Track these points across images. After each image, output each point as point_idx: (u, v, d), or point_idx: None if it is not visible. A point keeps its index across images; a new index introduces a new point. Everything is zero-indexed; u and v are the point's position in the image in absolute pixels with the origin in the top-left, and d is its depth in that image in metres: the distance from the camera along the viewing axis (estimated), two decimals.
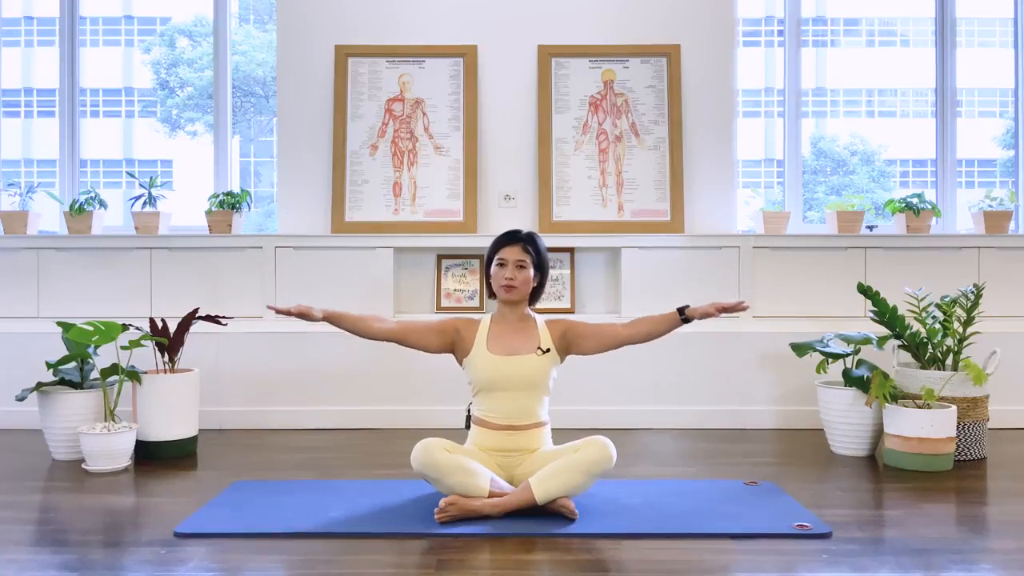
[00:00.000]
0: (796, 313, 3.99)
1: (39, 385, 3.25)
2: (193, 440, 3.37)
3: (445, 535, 2.30)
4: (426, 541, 2.28)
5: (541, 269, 2.69)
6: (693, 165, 4.15)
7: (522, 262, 2.63)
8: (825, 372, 3.41)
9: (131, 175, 4.30)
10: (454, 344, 2.68)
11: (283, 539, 2.30)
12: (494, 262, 2.66)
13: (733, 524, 2.39)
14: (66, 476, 3.03)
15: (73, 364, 3.33)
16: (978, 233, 4.10)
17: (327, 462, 3.22)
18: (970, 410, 3.23)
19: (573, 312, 4.02)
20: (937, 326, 3.30)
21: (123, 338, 3.33)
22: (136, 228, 4.10)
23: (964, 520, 2.54)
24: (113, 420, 3.19)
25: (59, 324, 3.28)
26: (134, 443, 3.17)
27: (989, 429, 3.34)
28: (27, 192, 4.23)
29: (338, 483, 2.86)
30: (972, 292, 3.34)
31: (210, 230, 4.08)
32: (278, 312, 2.61)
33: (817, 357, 3.46)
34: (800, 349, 3.43)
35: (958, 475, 3.02)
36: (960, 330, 3.32)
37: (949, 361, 3.32)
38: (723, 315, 2.61)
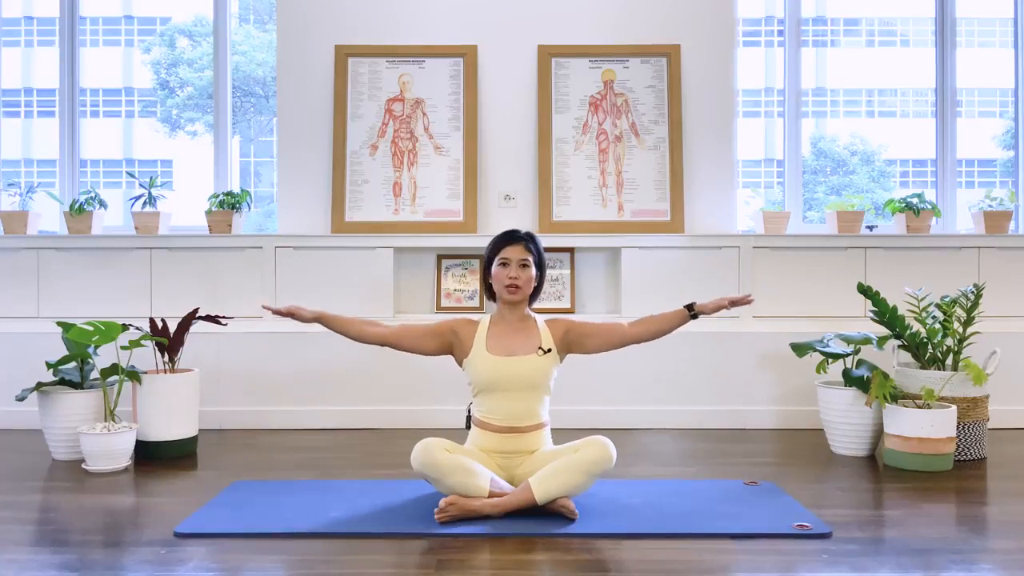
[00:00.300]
0: (796, 313, 3.99)
1: (39, 385, 3.25)
2: (193, 440, 3.37)
3: (445, 535, 2.30)
4: (426, 541, 2.28)
5: (541, 268, 2.70)
6: (693, 165, 4.15)
7: (525, 261, 2.63)
8: (825, 372, 3.41)
9: (131, 175, 4.30)
10: (452, 346, 2.68)
11: (283, 539, 2.30)
12: (495, 262, 2.65)
13: (733, 524, 2.39)
14: (66, 476, 3.03)
15: (73, 364, 3.33)
16: (978, 233, 4.10)
17: (327, 462, 3.22)
18: (970, 410, 3.23)
19: (573, 312, 4.02)
20: (937, 326, 3.30)
21: (123, 338, 3.33)
22: (136, 228, 4.10)
23: (964, 520, 2.54)
24: (113, 420, 3.19)
25: (59, 324, 3.28)
26: (134, 443, 3.17)
27: (989, 429, 3.34)
28: (27, 192, 4.23)
29: (338, 483, 2.86)
30: (972, 292, 3.34)
31: (210, 230, 4.08)
32: (273, 312, 2.65)
33: (817, 357, 3.46)
34: (800, 349, 3.43)
35: (958, 475, 3.02)
36: (960, 330, 3.32)
37: (949, 361, 3.32)
38: (732, 308, 2.65)
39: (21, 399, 3.23)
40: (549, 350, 2.63)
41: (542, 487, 2.40)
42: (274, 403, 3.85)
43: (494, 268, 2.66)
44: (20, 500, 2.72)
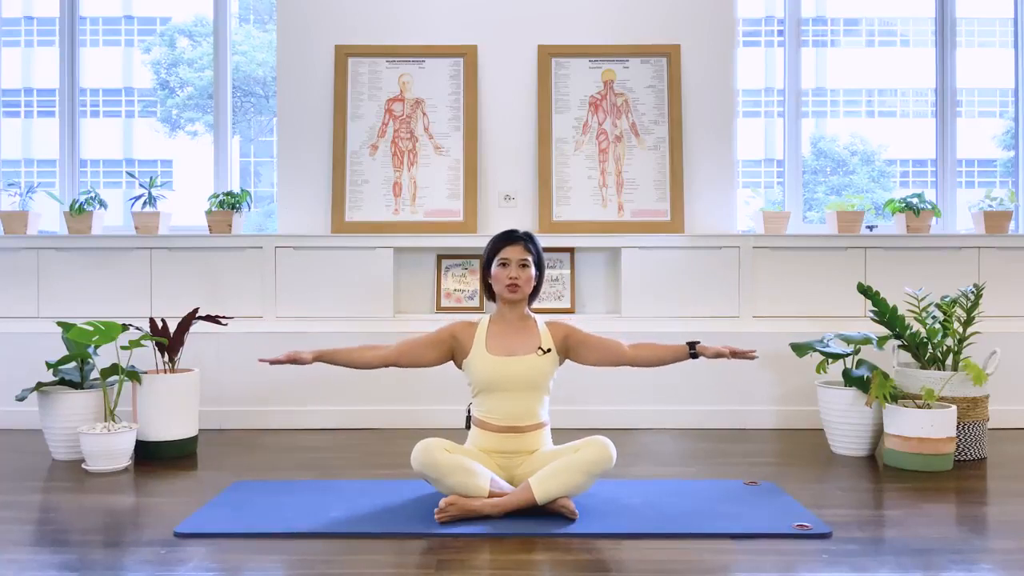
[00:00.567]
0: (796, 313, 3.99)
1: (39, 385, 3.25)
2: (193, 440, 3.37)
3: (445, 535, 2.30)
4: (426, 541, 2.28)
5: (540, 267, 2.70)
6: (693, 165, 4.15)
7: (524, 261, 2.64)
8: (825, 372, 3.41)
9: (131, 175, 4.30)
10: (453, 351, 2.68)
11: (283, 539, 2.30)
12: (495, 263, 2.65)
13: (733, 524, 2.39)
14: (66, 476, 3.03)
15: (73, 364, 3.33)
16: (978, 233, 4.10)
17: (327, 462, 3.22)
18: (970, 410, 3.23)
19: (573, 312, 4.02)
20: (937, 326, 3.30)
21: (123, 338, 3.33)
22: (136, 228, 4.10)
23: (964, 520, 2.54)
24: (113, 420, 3.18)
25: (59, 324, 3.28)
26: (134, 443, 3.17)
27: (989, 429, 3.34)
28: (27, 192, 4.23)
29: (338, 483, 2.86)
30: (972, 292, 3.34)
31: (210, 230, 4.08)
32: (271, 363, 2.62)
33: (817, 357, 3.46)
34: (800, 349, 3.43)
35: (958, 475, 3.02)
36: (960, 330, 3.32)
37: (949, 361, 3.32)
38: (733, 358, 2.58)
39: (21, 399, 3.23)
40: (549, 350, 2.63)
41: (542, 487, 2.40)
42: (274, 403, 3.85)
43: (493, 268, 2.66)
44: (20, 500, 2.72)
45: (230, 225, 4.07)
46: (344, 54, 4.14)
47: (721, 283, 3.96)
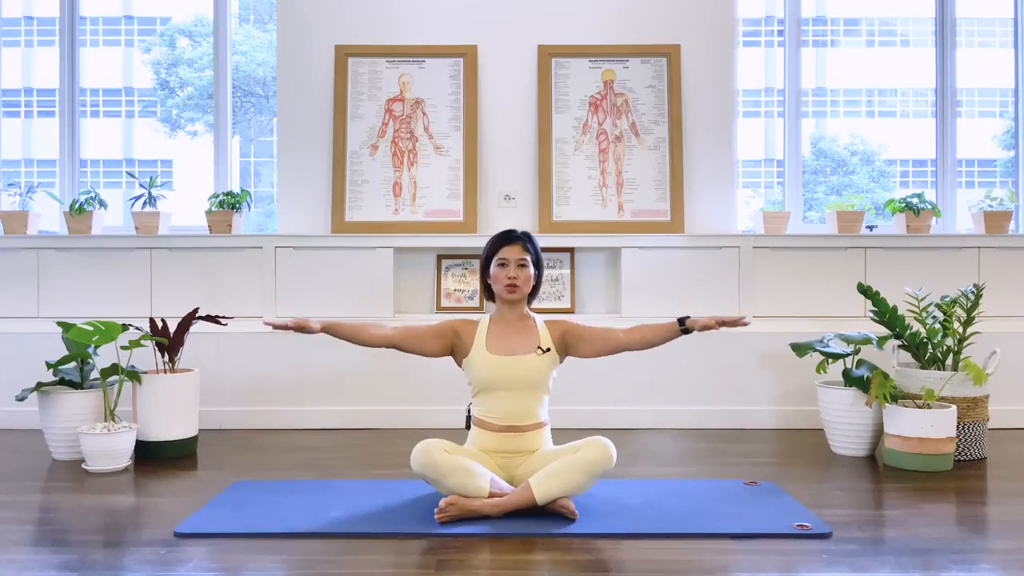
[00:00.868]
0: (796, 313, 3.99)
1: (39, 385, 3.25)
2: (193, 440, 3.37)
3: (445, 535, 2.30)
4: (426, 541, 2.28)
5: (539, 267, 2.70)
6: (693, 165, 4.15)
7: (523, 260, 2.64)
8: (825, 372, 3.41)
9: (131, 175, 4.30)
10: (453, 346, 2.68)
11: (283, 539, 2.30)
12: (493, 263, 2.66)
13: (733, 524, 2.39)
14: (66, 476, 3.03)
15: (73, 364, 3.33)
16: (978, 233, 4.10)
17: (327, 462, 3.22)
18: (970, 410, 3.23)
19: (573, 312, 4.02)
20: (937, 326, 3.30)
21: (123, 338, 3.33)
22: (136, 228, 4.10)
23: (964, 520, 2.54)
24: (113, 420, 3.19)
25: (59, 324, 3.28)
26: (134, 443, 3.17)
27: (989, 429, 3.34)
28: (27, 192, 4.23)
29: (338, 483, 2.86)
30: (972, 292, 3.34)
31: (210, 230, 4.08)
32: (275, 327, 2.59)
33: (817, 357, 3.46)
34: (800, 349, 3.43)
35: (958, 475, 3.02)
36: (960, 330, 3.32)
37: (949, 361, 3.32)
38: (723, 329, 2.58)
39: (21, 399, 3.23)
40: (548, 349, 2.63)
41: (542, 487, 2.40)
42: (274, 403, 3.85)
43: (492, 268, 2.66)
44: (20, 500, 2.72)
45: (230, 225, 4.07)
46: (344, 54, 4.14)
47: (721, 283, 3.96)
